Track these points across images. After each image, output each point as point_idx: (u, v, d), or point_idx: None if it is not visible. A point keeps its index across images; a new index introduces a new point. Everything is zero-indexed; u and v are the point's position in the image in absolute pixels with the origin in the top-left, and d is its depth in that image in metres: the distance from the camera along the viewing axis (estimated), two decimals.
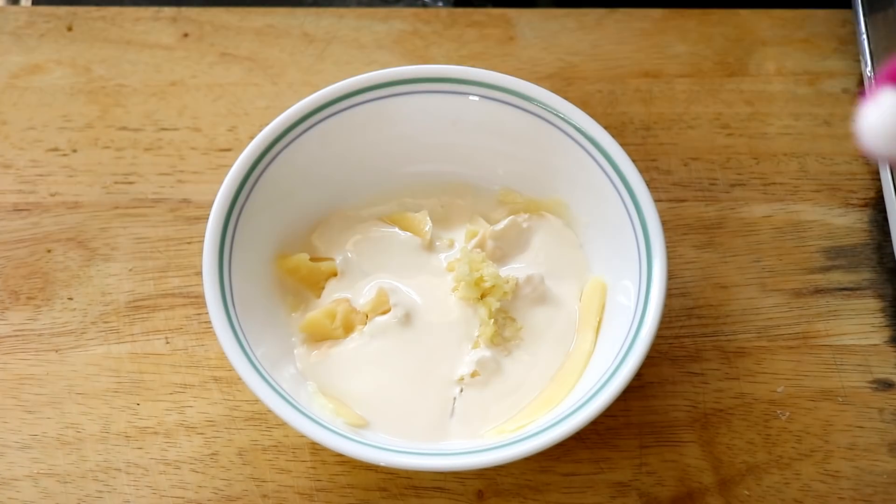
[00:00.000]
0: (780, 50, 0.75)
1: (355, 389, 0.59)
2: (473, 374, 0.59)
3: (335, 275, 0.63)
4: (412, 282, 0.63)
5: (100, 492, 0.60)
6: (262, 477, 0.60)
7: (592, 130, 0.60)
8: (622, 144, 0.60)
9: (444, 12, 0.77)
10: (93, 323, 0.65)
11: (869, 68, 0.70)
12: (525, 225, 0.64)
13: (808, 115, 0.72)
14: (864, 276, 0.66)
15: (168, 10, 0.76)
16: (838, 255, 0.67)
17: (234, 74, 0.74)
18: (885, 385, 0.63)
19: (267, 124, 0.60)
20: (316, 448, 0.61)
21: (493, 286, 0.60)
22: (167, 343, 0.64)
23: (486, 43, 0.75)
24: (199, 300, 0.65)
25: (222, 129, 0.72)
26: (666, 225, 0.64)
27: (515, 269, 0.63)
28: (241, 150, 0.60)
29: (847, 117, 0.72)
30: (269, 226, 0.61)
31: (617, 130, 0.71)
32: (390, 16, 0.76)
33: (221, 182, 0.59)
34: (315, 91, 0.62)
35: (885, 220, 0.68)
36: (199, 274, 0.58)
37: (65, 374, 0.63)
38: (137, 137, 0.71)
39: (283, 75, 0.74)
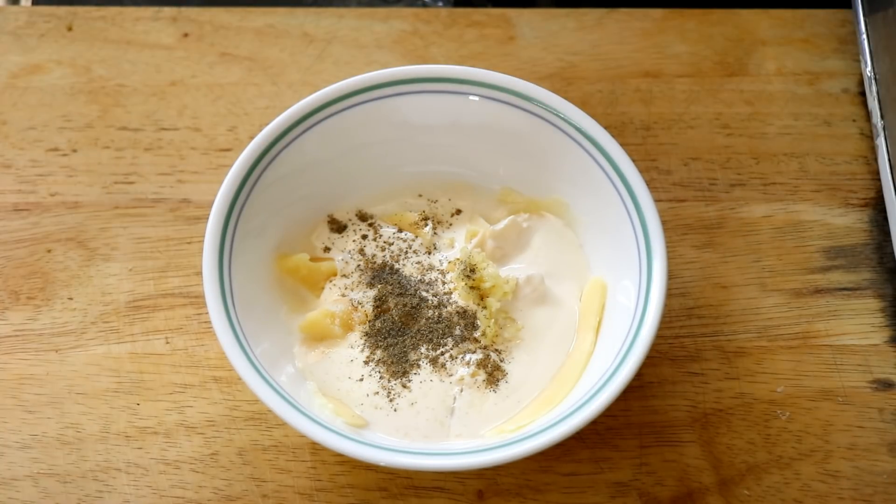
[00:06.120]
0: (779, 50, 0.75)
1: (355, 389, 0.59)
2: (473, 374, 0.59)
3: (335, 275, 0.63)
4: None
5: (100, 492, 0.60)
6: (262, 477, 0.60)
7: (592, 130, 0.60)
8: (622, 144, 0.60)
9: (444, 12, 0.77)
10: (93, 323, 0.65)
11: (869, 68, 0.70)
12: (525, 225, 0.64)
13: (808, 115, 0.72)
14: (864, 276, 0.66)
15: (168, 10, 0.76)
16: (838, 255, 0.67)
17: (233, 74, 0.74)
18: (885, 385, 0.63)
19: (267, 124, 0.61)
20: (316, 448, 0.61)
21: (493, 286, 0.60)
22: (167, 343, 0.64)
23: (486, 43, 0.75)
24: (199, 300, 0.65)
25: (222, 129, 0.72)
26: (666, 225, 0.64)
27: (515, 269, 0.63)
28: (241, 150, 0.60)
29: (847, 117, 0.72)
30: (269, 226, 0.61)
31: (617, 130, 0.71)
32: (390, 16, 0.76)
33: (221, 182, 0.59)
34: (315, 91, 0.62)
35: (885, 220, 0.67)
36: (199, 274, 0.58)
37: (65, 374, 0.63)
38: (137, 137, 0.71)
39: (283, 75, 0.74)
